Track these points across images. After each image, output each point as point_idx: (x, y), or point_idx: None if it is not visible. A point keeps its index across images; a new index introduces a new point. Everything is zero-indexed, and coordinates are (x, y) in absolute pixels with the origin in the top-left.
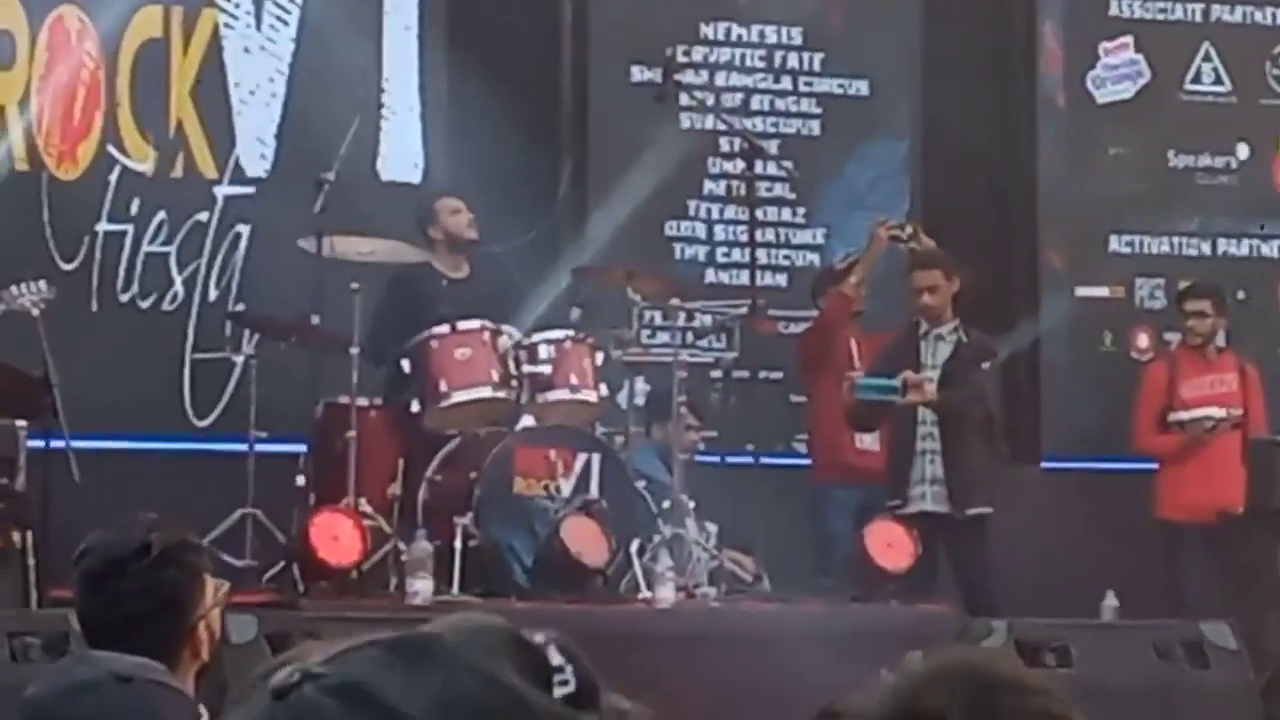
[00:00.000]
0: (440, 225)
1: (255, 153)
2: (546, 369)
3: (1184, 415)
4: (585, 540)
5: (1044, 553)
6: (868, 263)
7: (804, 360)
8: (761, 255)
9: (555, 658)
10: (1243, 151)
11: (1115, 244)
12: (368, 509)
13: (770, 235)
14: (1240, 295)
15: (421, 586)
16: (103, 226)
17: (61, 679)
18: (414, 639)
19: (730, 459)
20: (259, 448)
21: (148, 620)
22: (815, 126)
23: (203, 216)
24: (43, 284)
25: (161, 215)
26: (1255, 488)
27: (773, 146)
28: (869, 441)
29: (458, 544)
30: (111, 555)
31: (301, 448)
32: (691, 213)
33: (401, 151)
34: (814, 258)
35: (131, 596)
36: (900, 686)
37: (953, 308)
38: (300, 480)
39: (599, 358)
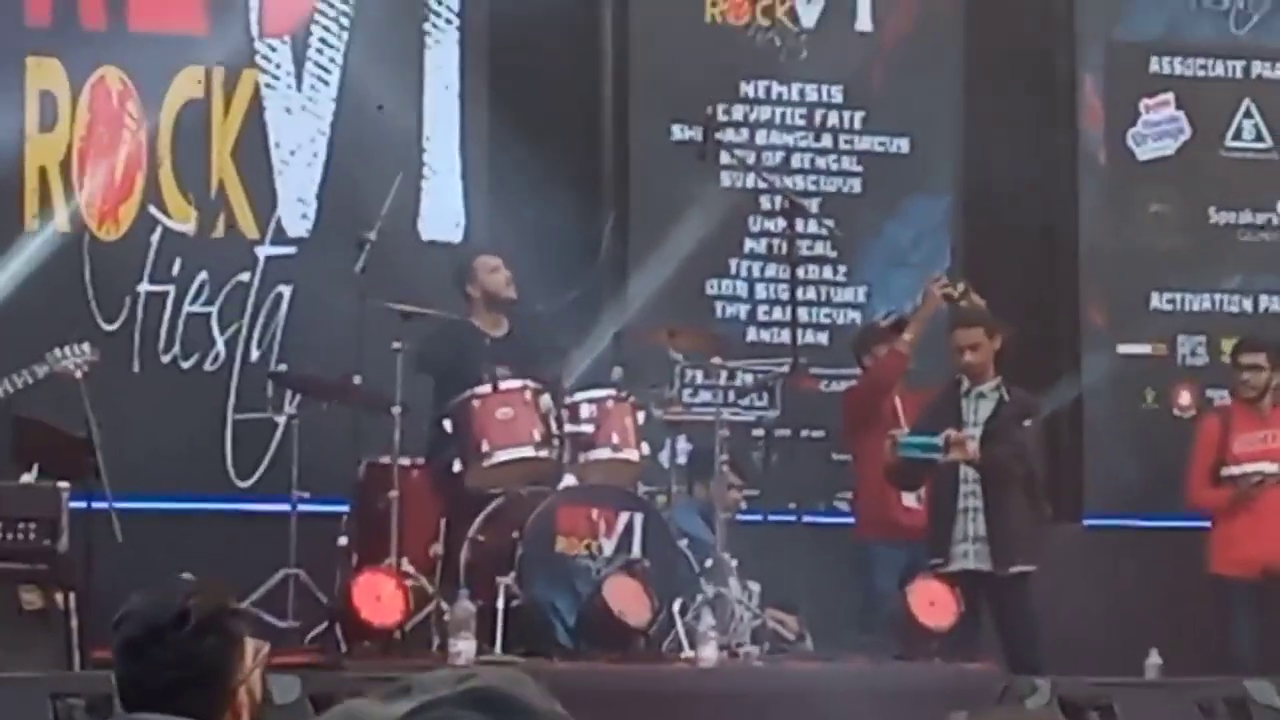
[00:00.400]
0: (479, 283)
1: (296, 213)
2: (588, 428)
3: (1235, 470)
4: (628, 600)
5: (1087, 610)
6: (922, 320)
7: (851, 418)
8: (803, 314)
9: None
10: None
11: (1157, 301)
12: (410, 569)
13: (811, 293)
14: None
15: (464, 647)
16: (144, 287)
17: None
18: (480, 692)
19: (772, 517)
20: (301, 508)
21: (187, 687)
22: (856, 184)
23: (244, 277)
24: (86, 346)
25: (203, 275)
26: None
27: (814, 205)
28: (914, 499)
29: (500, 604)
30: (150, 623)
31: (344, 508)
32: (733, 271)
33: (442, 211)
34: (855, 315)
35: (171, 665)
36: None
37: (995, 365)
38: (342, 540)
39: (641, 417)
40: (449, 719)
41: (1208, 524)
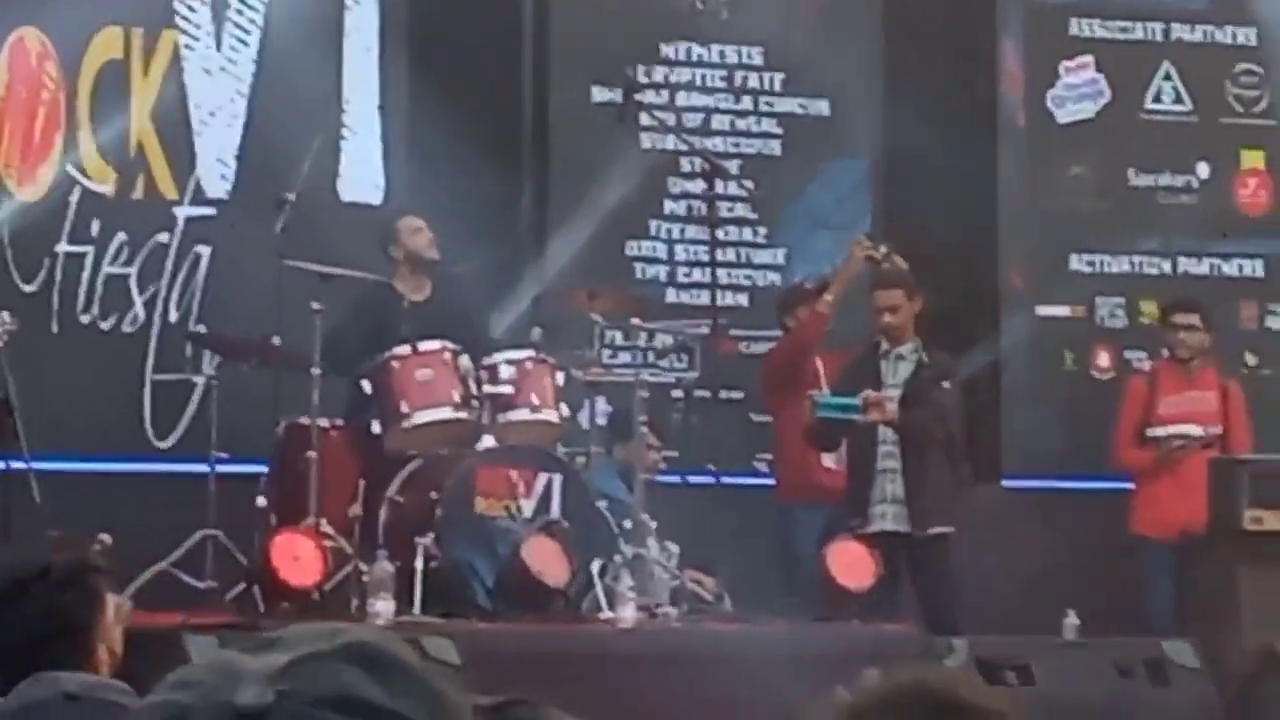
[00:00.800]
0: (402, 245)
1: (216, 174)
2: (508, 389)
3: (1160, 431)
4: (546, 560)
5: (1005, 571)
6: (843, 280)
7: (772, 380)
8: (722, 275)
9: None
10: (1203, 170)
11: (1076, 263)
12: (329, 530)
13: (731, 255)
14: None
15: (383, 607)
16: (63, 248)
17: (14, 699)
18: (358, 647)
19: (691, 479)
20: (220, 469)
21: (49, 642)
22: (776, 146)
23: (163, 238)
24: (6, 315)
25: (122, 236)
26: (1217, 507)
27: (734, 166)
28: (833, 461)
29: (419, 564)
30: (13, 577)
31: (262, 469)
32: (652, 233)
33: (362, 172)
34: (775, 277)
35: (33, 619)
36: (856, 706)
37: (914, 327)
38: (261, 501)
39: (560, 378)
40: (333, 672)
41: (1125, 485)
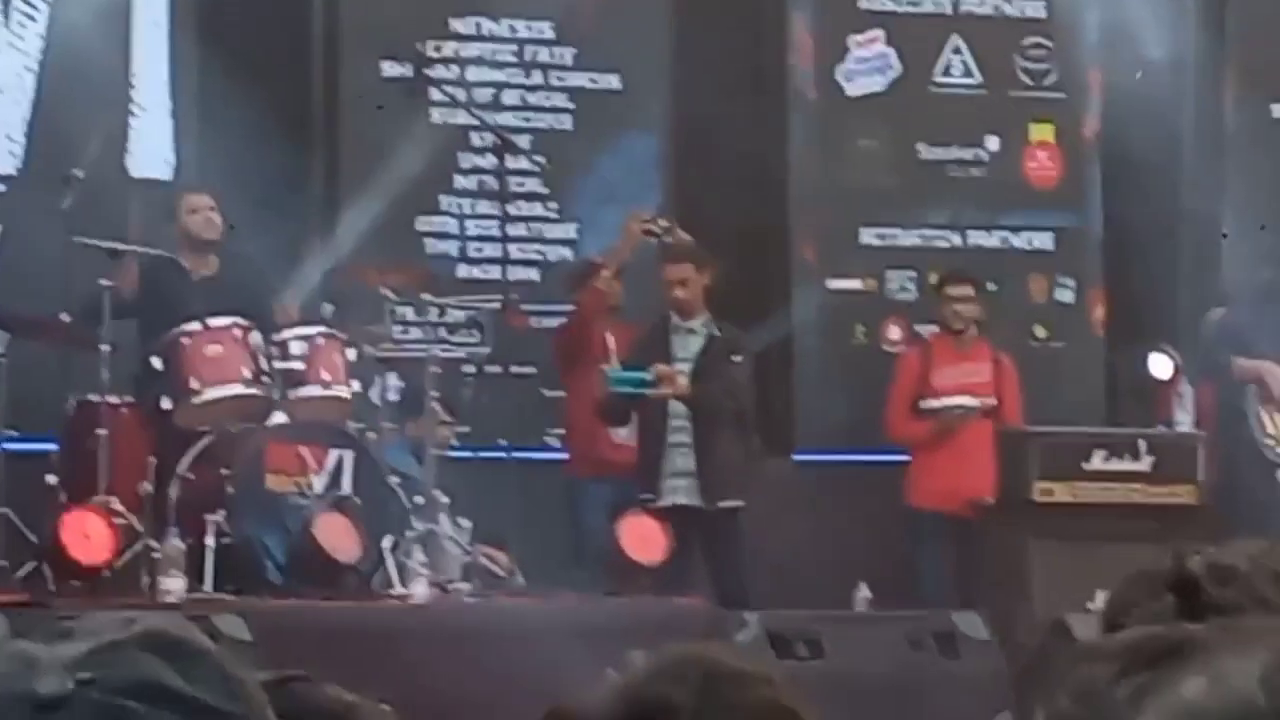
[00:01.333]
0: (179, 222)
1: (4, 150)
2: (299, 365)
3: (935, 403)
4: (338, 537)
5: (797, 545)
6: (619, 257)
7: (560, 354)
8: (513, 250)
9: None
10: (992, 143)
11: (866, 236)
12: (119, 507)
13: (522, 230)
14: (991, 287)
15: (174, 584)
16: None
17: None
18: (156, 635)
19: (483, 454)
20: (9, 446)
21: None
22: (567, 121)
23: None
24: None
25: None
26: (1007, 478)
27: (524, 141)
28: (624, 435)
29: (210, 541)
30: None
31: (52, 446)
32: (443, 208)
33: (152, 148)
34: (566, 252)
35: None
36: (628, 681)
37: (704, 301)
38: (51, 479)
39: (351, 353)
40: (131, 660)
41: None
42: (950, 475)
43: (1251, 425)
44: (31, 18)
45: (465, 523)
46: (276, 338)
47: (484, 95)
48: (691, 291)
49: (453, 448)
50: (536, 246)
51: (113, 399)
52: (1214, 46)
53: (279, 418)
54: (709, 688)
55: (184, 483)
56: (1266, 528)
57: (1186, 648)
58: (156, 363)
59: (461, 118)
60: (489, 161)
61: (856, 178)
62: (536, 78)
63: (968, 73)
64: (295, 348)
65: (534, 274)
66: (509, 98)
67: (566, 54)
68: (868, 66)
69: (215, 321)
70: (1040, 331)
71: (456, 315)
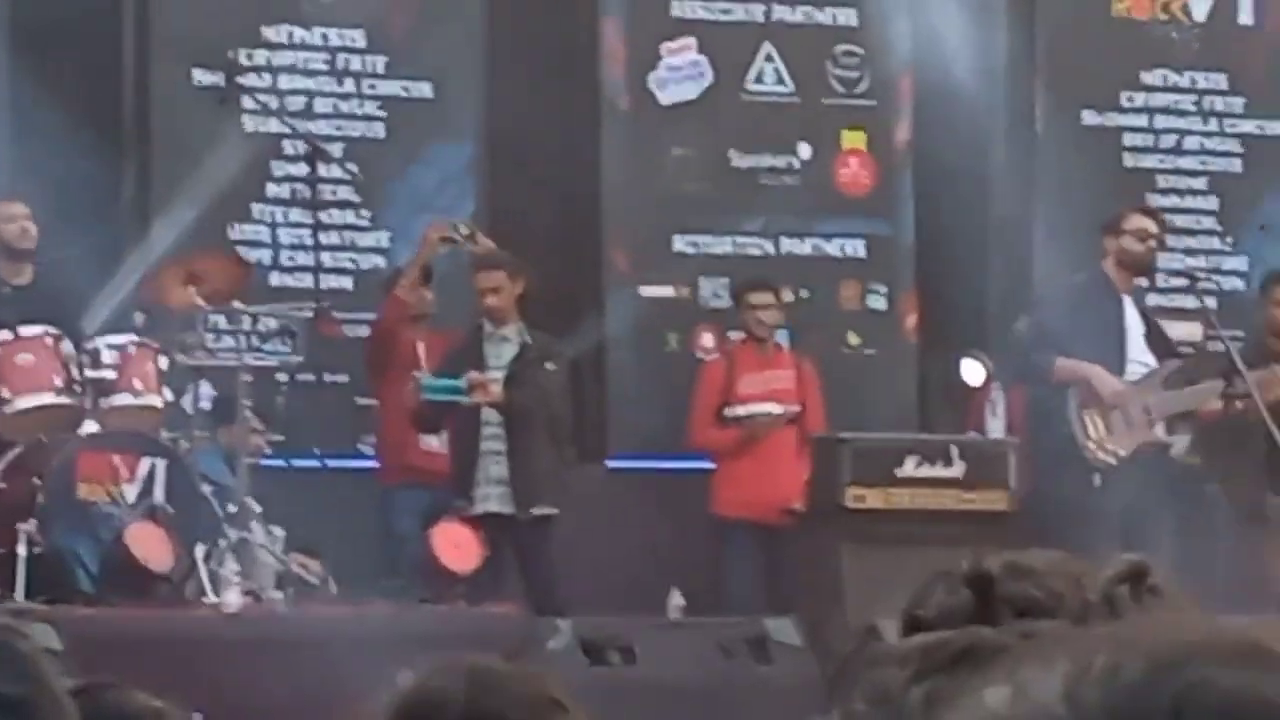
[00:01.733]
0: None
1: None
2: (110, 374)
3: (740, 410)
4: (150, 546)
5: (610, 552)
6: (418, 264)
7: (368, 363)
8: (326, 258)
9: None
10: (804, 151)
11: (679, 244)
12: None
13: (335, 238)
14: (804, 294)
15: None
16: None
17: None
18: None
19: (296, 462)
20: None
21: None
22: (379, 129)
23: None
24: None
25: None
26: (819, 484)
27: (336, 149)
28: (435, 443)
29: (21, 551)
30: None
31: None
32: (255, 216)
33: None
34: (379, 260)
35: None
36: (409, 682)
37: (518, 309)
38: None
39: (163, 362)
40: None
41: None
42: (755, 483)
43: (1072, 428)
44: None
45: (278, 531)
46: (88, 346)
47: (296, 103)
48: (504, 299)
49: (265, 456)
50: (349, 255)
51: None
52: (1024, 54)
53: (91, 426)
54: (485, 676)
55: None
56: (1079, 533)
57: (982, 652)
58: None
59: (274, 126)
60: (301, 170)
61: (669, 185)
62: (349, 86)
63: (780, 80)
64: (107, 356)
65: (347, 282)
66: (321, 106)
67: (379, 62)
68: (680, 74)
69: (26, 330)
70: (853, 339)
71: (269, 323)
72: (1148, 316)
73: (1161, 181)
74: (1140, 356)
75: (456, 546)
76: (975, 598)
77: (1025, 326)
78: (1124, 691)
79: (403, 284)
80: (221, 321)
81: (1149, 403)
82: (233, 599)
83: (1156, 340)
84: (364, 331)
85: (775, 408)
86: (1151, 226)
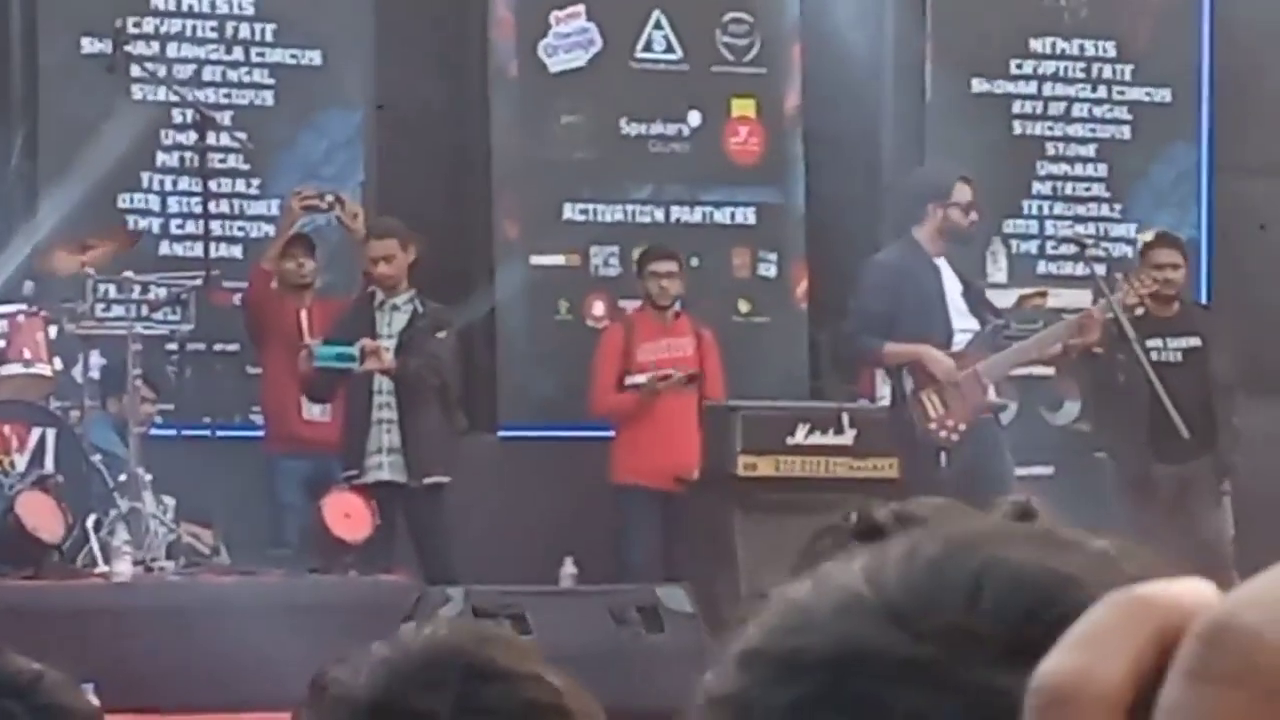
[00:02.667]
0: None
1: None
2: None
3: (640, 378)
4: (40, 516)
5: (502, 520)
6: (283, 234)
7: (249, 333)
8: (216, 227)
9: None
10: (694, 119)
11: (569, 212)
12: None
13: (225, 206)
14: (695, 262)
15: None
16: None
17: None
18: None
19: (187, 431)
20: None
21: None
22: (269, 97)
23: None
24: None
25: None
26: (711, 453)
27: (226, 117)
28: (318, 413)
29: None
30: None
31: None
32: (145, 185)
33: None
34: (269, 228)
35: None
36: (392, 669)
37: (409, 277)
38: None
39: (53, 331)
40: None
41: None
42: (655, 450)
43: (911, 410)
44: None
45: (169, 500)
46: None
47: (185, 71)
48: (396, 267)
49: (156, 425)
50: (239, 223)
51: None
52: (913, 21)
53: None
54: (475, 685)
55: None
56: None
57: None
58: None
59: (162, 94)
60: (190, 138)
61: (559, 153)
62: (238, 54)
63: (669, 48)
64: None
65: (237, 250)
66: (210, 74)
67: (268, 30)
68: (569, 42)
69: None
70: (743, 306)
71: (159, 292)
72: (965, 278)
73: (1050, 149)
74: (963, 323)
75: (347, 516)
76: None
77: (851, 309)
78: (922, 568)
79: (268, 254)
80: (111, 290)
81: (978, 369)
82: (124, 568)
83: (976, 302)
84: None
85: (674, 374)
86: (972, 196)
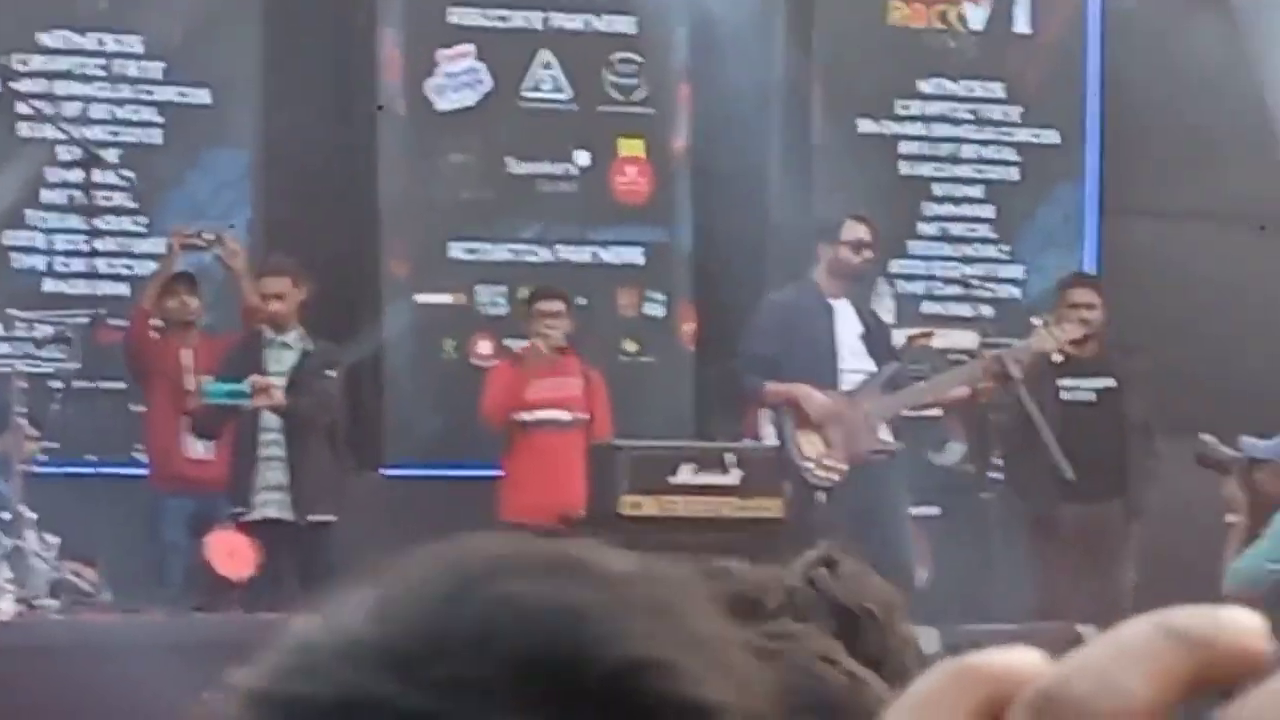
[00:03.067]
0: None
1: None
2: None
3: (528, 417)
4: None
5: (388, 559)
6: (163, 272)
7: (130, 372)
8: (102, 265)
9: None
10: (582, 158)
11: (456, 251)
12: None
13: (111, 244)
14: (582, 301)
15: None
16: None
17: None
18: None
19: (70, 469)
20: None
21: None
22: (156, 135)
23: None
24: None
25: None
26: (596, 492)
27: (113, 155)
28: (202, 450)
29: None
30: None
31: None
32: (29, 222)
33: None
34: (155, 267)
35: None
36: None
37: (298, 315)
38: None
39: None
40: None
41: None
42: (541, 489)
43: (790, 449)
44: None
45: (52, 539)
46: None
47: (72, 109)
48: (288, 305)
49: (39, 463)
50: (125, 261)
51: None
52: (801, 62)
53: None
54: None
55: None
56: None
57: None
58: None
59: (49, 132)
60: (77, 176)
61: (446, 192)
62: (125, 92)
63: (557, 88)
64: None
65: (124, 289)
66: (97, 112)
67: (155, 68)
68: (457, 81)
69: None
70: (630, 346)
71: (45, 330)
72: (866, 319)
73: (938, 190)
74: (858, 363)
75: (231, 554)
76: None
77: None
78: (429, 607)
79: (147, 293)
80: None
81: (868, 409)
82: (6, 607)
83: (877, 343)
84: None
85: (563, 415)
86: (867, 235)
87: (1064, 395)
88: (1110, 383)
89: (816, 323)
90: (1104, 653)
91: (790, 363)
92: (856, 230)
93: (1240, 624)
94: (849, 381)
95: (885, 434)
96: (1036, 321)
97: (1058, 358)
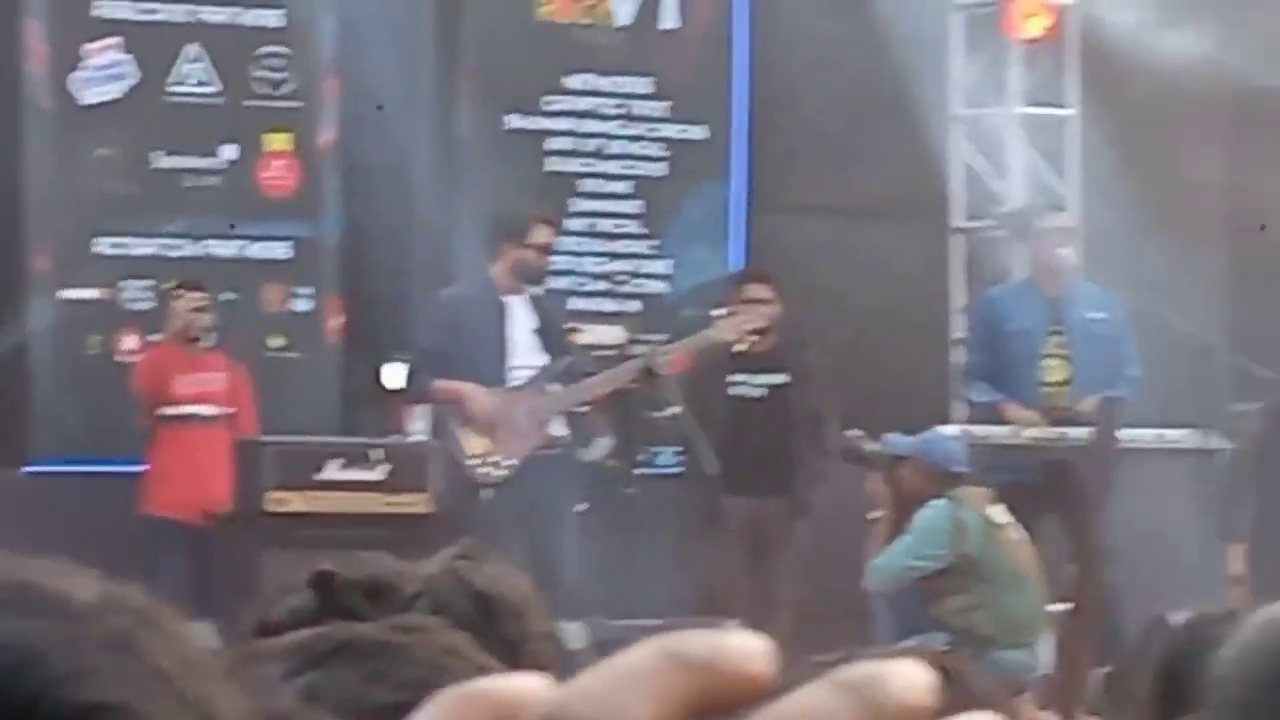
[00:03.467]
0: None
1: None
2: None
3: (172, 411)
4: None
5: (29, 556)
6: None
7: None
8: None
9: None
10: (229, 152)
11: (101, 246)
12: None
13: None
14: (229, 296)
15: None
16: None
17: None
18: None
19: None
20: None
21: None
22: None
23: None
24: None
25: None
26: (241, 488)
27: None
28: None
29: None
30: None
31: None
32: None
33: None
34: None
35: None
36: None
37: None
38: None
39: None
40: None
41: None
42: (187, 484)
43: (454, 447)
44: None
45: None
46: None
47: None
48: None
49: None
50: None
51: None
52: (448, 57)
53: None
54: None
55: None
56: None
57: (359, 646)
58: None
59: None
60: None
61: (91, 187)
62: None
63: (204, 81)
64: None
65: None
66: None
67: None
68: (103, 74)
69: None
70: (276, 341)
71: None
72: (544, 316)
73: (584, 185)
74: (531, 359)
75: None
76: (319, 597)
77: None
78: None
79: None
80: None
81: (535, 405)
82: None
83: (552, 340)
84: None
85: (208, 410)
86: (551, 238)
87: (732, 391)
88: (783, 379)
89: (487, 318)
90: (608, 676)
91: (460, 358)
92: (543, 233)
93: (743, 648)
94: (519, 378)
95: (559, 428)
96: (719, 313)
97: (741, 347)
